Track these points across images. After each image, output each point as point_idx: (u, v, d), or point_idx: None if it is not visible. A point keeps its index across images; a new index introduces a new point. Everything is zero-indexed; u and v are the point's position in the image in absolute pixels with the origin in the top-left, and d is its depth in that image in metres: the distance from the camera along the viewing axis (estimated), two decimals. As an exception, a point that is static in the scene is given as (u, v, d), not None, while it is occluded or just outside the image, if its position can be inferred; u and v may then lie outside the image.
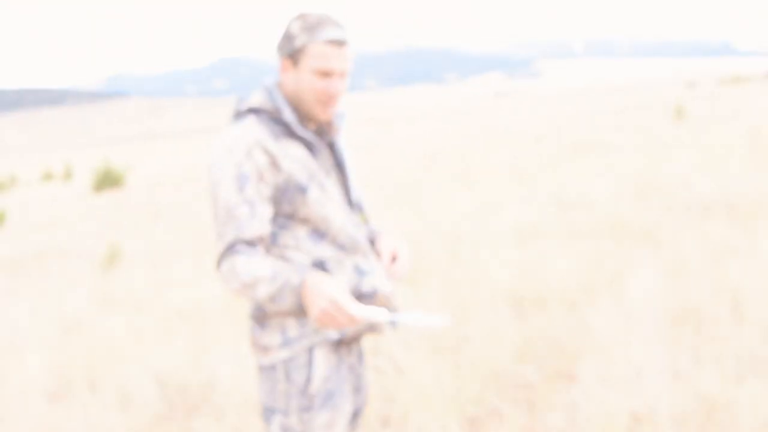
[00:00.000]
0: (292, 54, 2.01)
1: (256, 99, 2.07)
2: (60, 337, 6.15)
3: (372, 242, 2.23)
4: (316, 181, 2.03)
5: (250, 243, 1.94)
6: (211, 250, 9.95)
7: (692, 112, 25.71)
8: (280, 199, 2.00)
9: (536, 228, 7.51)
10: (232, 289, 1.93)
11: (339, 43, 2.00)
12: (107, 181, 28.87)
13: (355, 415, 2.26)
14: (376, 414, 3.60)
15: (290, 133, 2.05)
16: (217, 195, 1.97)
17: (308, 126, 2.12)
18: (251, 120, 2.03)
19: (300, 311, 1.90)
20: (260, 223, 1.95)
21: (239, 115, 2.10)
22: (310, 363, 2.02)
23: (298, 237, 2.03)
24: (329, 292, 1.82)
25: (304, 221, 2.03)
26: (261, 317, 2.05)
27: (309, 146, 2.07)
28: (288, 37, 2.01)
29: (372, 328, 2.12)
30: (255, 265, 1.89)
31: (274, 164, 1.98)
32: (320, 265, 2.03)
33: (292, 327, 2.02)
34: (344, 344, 2.13)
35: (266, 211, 1.97)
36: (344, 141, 2.21)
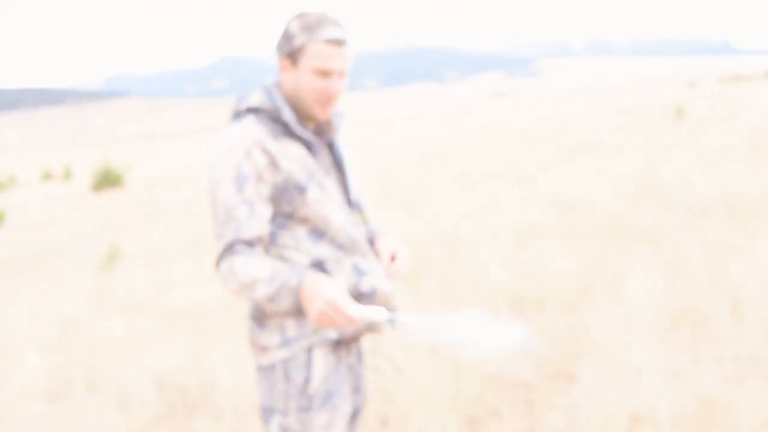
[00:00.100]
0: (291, 53, 2.01)
1: (256, 99, 2.06)
2: (59, 337, 6.14)
3: (371, 242, 2.22)
4: (315, 180, 2.03)
5: (249, 243, 1.94)
6: (210, 250, 9.94)
7: (692, 112, 25.72)
8: (279, 199, 2.00)
9: (536, 228, 7.51)
10: (230, 290, 1.93)
11: (338, 43, 1.99)
12: (107, 181, 28.87)
13: (354, 415, 2.26)
14: (375, 414, 3.59)
15: (289, 132, 2.04)
16: (217, 195, 1.96)
17: (307, 125, 2.11)
18: (250, 120, 2.03)
19: (299, 311, 1.90)
20: (259, 223, 1.95)
21: (238, 114, 2.09)
22: (309, 363, 2.02)
23: (297, 237, 2.03)
24: (327, 294, 1.81)
25: (304, 221, 2.03)
26: (260, 317, 2.05)
27: (308, 146, 2.06)
28: (287, 37, 2.01)
29: (371, 328, 2.11)
30: (253, 265, 1.89)
31: (274, 164, 1.98)
32: (319, 265, 2.02)
33: (291, 327, 2.02)
34: (343, 344, 2.13)
35: (265, 212, 1.97)
36: (343, 140, 2.20)
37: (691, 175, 9.48)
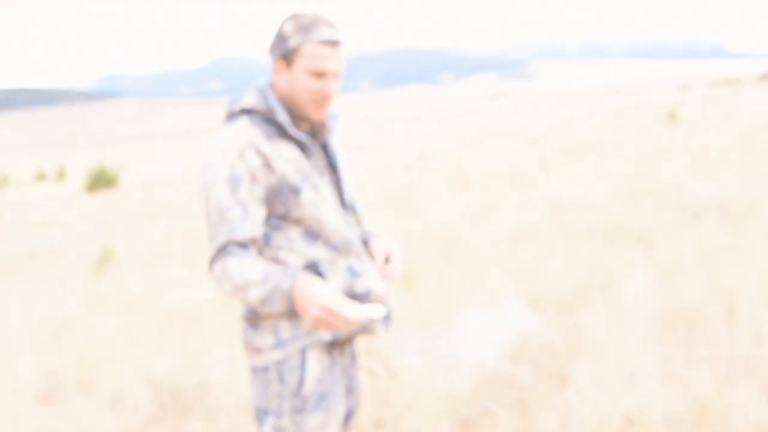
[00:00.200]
0: (285, 55, 2.01)
1: (249, 100, 2.06)
2: (52, 338, 6.12)
3: (365, 243, 2.22)
4: (309, 181, 2.03)
5: (243, 245, 1.93)
6: (204, 252, 9.92)
7: (685, 115, 25.79)
8: (273, 200, 2.00)
9: (532, 229, 7.51)
10: (223, 291, 1.93)
11: (333, 44, 1.99)
12: (101, 181, 28.79)
13: (348, 416, 2.26)
14: (369, 416, 3.59)
15: (283, 133, 2.04)
16: (210, 197, 1.96)
17: (301, 127, 2.11)
18: (244, 121, 2.03)
19: (292, 313, 1.90)
20: (253, 224, 1.95)
21: (232, 116, 2.09)
22: (303, 364, 2.02)
23: (291, 238, 2.03)
24: (320, 299, 1.80)
25: (298, 222, 2.02)
26: (254, 319, 2.04)
27: (302, 147, 2.06)
28: (281, 38, 2.00)
29: (365, 329, 2.11)
30: (246, 267, 1.89)
31: (267, 165, 1.97)
32: (313, 267, 2.02)
33: (285, 328, 2.01)
34: (337, 346, 2.12)
35: (259, 213, 1.97)
36: (338, 142, 2.20)
37: (685, 178, 9.50)
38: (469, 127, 44.97)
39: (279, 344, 2.01)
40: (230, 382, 4.13)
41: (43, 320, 6.82)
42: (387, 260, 2.19)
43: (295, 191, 2.00)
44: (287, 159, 2.00)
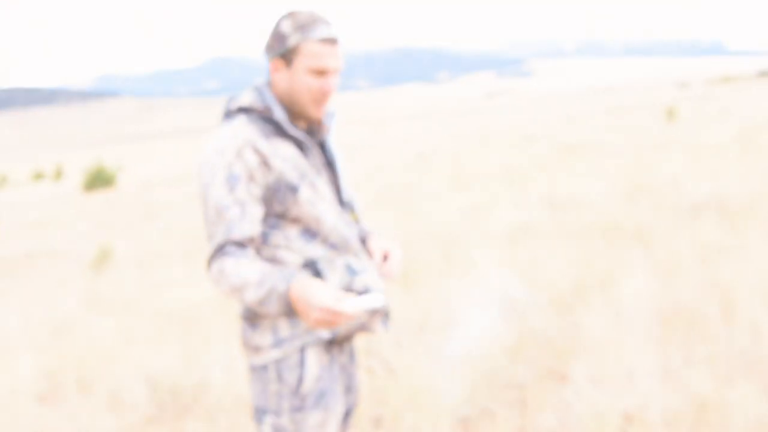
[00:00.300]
0: (285, 54, 2.00)
1: (246, 98, 2.06)
2: (50, 338, 6.12)
3: (363, 242, 2.22)
4: (307, 180, 2.02)
5: (240, 244, 1.93)
6: (202, 251, 9.91)
7: (683, 113, 25.80)
8: (270, 199, 1.99)
9: (529, 228, 7.51)
10: (221, 291, 1.93)
11: (332, 41, 1.99)
12: (98, 181, 28.76)
13: (347, 415, 2.26)
14: (368, 415, 3.59)
15: (281, 132, 2.03)
16: (208, 196, 1.96)
17: (298, 125, 2.11)
18: (241, 120, 2.02)
19: (290, 313, 1.89)
20: (250, 224, 1.94)
21: (229, 114, 2.08)
22: (302, 363, 2.02)
23: (289, 237, 2.02)
24: (319, 301, 1.79)
25: (296, 221, 2.02)
26: (252, 317, 2.04)
27: (300, 145, 2.06)
28: (279, 37, 2.00)
29: (364, 327, 2.11)
30: (243, 268, 1.88)
31: (265, 163, 1.97)
32: (311, 265, 2.02)
33: (284, 327, 2.01)
34: (336, 344, 2.12)
35: (257, 212, 1.96)
36: (335, 140, 2.20)
37: (682, 176, 9.50)
38: (466, 125, 44.97)
39: (278, 343, 2.01)
40: (229, 381, 4.13)
41: (42, 320, 6.82)
42: (385, 258, 2.19)
43: (292, 190, 1.99)
44: (285, 157, 2.00)
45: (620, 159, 13.04)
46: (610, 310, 4.47)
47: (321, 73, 2.00)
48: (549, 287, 5.12)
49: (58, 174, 50.78)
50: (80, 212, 20.44)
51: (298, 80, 2.00)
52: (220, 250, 1.92)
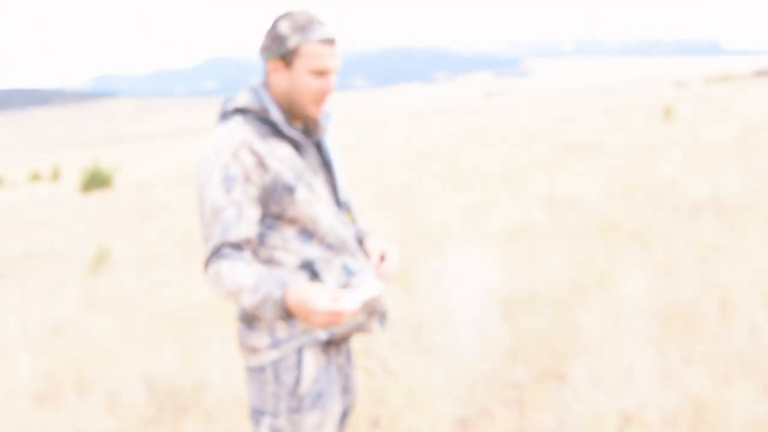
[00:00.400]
0: (284, 55, 1.99)
1: (243, 99, 2.05)
2: (48, 339, 6.11)
3: (360, 242, 2.22)
4: (303, 180, 2.02)
5: (237, 246, 1.92)
6: (200, 252, 9.91)
7: (681, 112, 25.81)
8: (267, 200, 1.99)
9: (527, 228, 7.52)
10: (218, 294, 1.92)
11: (331, 42, 1.99)
12: (96, 181, 28.72)
13: (344, 416, 2.26)
14: (366, 415, 3.58)
15: (277, 132, 2.03)
16: (204, 197, 1.95)
17: (295, 125, 2.10)
18: (238, 120, 2.02)
19: (286, 319, 1.88)
20: (247, 225, 1.94)
21: (226, 115, 2.08)
22: (299, 364, 2.02)
23: (286, 237, 2.02)
24: (318, 306, 1.78)
25: (292, 221, 2.02)
26: (249, 319, 2.04)
27: (296, 146, 2.05)
28: (278, 38, 1.99)
29: (361, 328, 2.11)
30: (239, 271, 1.87)
31: (261, 164, 1.96)
32: (308, 266, 2.02)
33: (281, 328, 2.01)
34: (333, 344, 2.12)
35: (253, 213, 1.96)
36: (332, 140, 2.20)
37: (680, 175, 9.51)
38: (465, 125, 45.00)
39: (275, 344, 2.01)
40: (227, 382, 4.13)
41: (40, 321, 6.81)
42: (382, 259, 2.19)
43: (289, 190, 1.99)
44: (281, 158, 2.00)
45: (619, 159, 13.05)
46: (609, 310, 4.47)
47: (321, 73, 2.00)
48: (547, 286, 5.12)
49: (56, 175, 50.74)
50: (78, 213, 20.43)
51: (299, 81, 2.00)
52: (216, 252, 1.92)
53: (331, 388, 2.08)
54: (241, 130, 1.99)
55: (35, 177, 53.67)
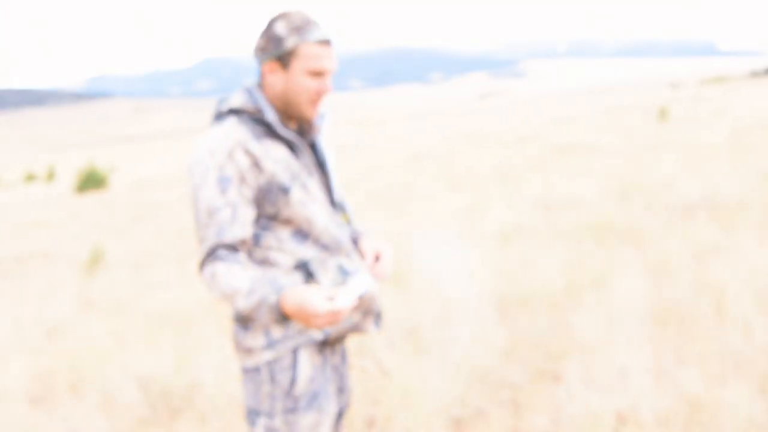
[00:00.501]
0: (281, 56, 1.99)
1: (237, 100, 2.05)
2: (42, 340, 6.09)
3: (355, 242, 2.22)
4: (298, 181, 2.02)
5: (232, 247, 1.92)
6: (195, 253, 9.89)
7: (676, 113, 25.87)
8: (262, 201, 1.99)
9: (521, 228, 7.53)
10: (213, 296, 1.92)
11: (328, 43, 1.99)
12: (91, 182, 28.63)
13: (339, 415, 2.26)
14: (361, 415, 3.59)
15: (272, 133, 2.03)
16: (199, 198, 1.95)
17: (289, 126, 2.10)
18: (232, 121, 2.02)
19: (282, 322, 1.88)
20: (242, 226, 1.94)
21: (220, 116, 2.08)
22: (294, 364, 2.02)
23: (281, 238, 2.02)
24: (314, 309, 1.79)
25: (287, 222, 2.02)
26: (244, 320, 2.04)
27: (291, 146, 2.05)
28: (274, 39, 1.99)
29: (356, 328, 2.11)
30: (234, 275, 1.87)
31: (256, 165, 1.96)
32: (303, 266, 2.02)
33: (276, 329, 2.01)
34: (328, 344, 2.12)
35: (248, 214, 1.96)
36: (326, 141, 2.20)
37: (674, 176, 9.53)
38: (460, 126, 45.02)
39: (270, 344, 2.01)
40: (222, 382, 4.12)
41: (34, 322, 6.79)
42: (377, 259, 2.19)
43: (284, 191, 1.99)
44: (276, 159, 2.00)
45: (613, 159, 13.07)
46: (603, 311, 4.48)
47: (318, 74, 2.00)
48: (541, 287, 5.12)
49: (51, 175, 50.56)
50: (73, 213, 20.37)
51: (297, 82, 2.00)
52: (211, 254, 1.92)
53: (326, 388, 2.08)
54: (236, 130, 1.99)
55: (30, 178, 53.49)
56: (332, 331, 2.07)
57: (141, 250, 11.19)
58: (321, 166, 2.15)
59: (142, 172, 41.82)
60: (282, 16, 2.00)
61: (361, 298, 2.07)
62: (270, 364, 2.02)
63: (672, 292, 4.66)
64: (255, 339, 2.02)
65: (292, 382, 2.01)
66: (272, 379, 2.01)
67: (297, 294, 1.82)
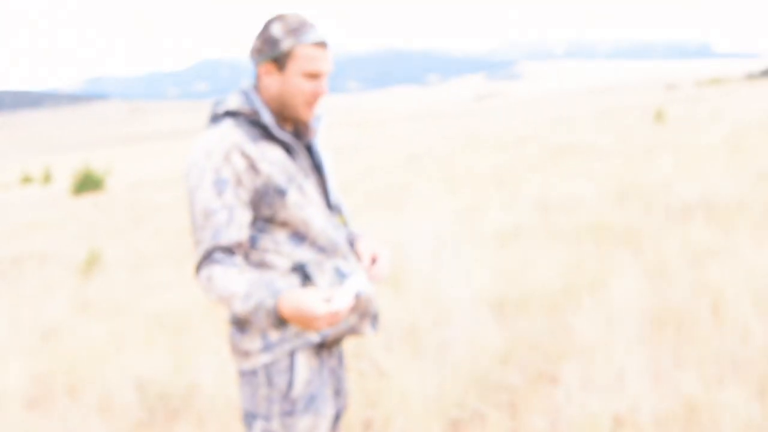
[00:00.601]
0: (277, 58, 1.99)
1: (234, 102, 2.05)
2: (39, 342, 6.08)
3: (351, 244, 2.22)
4: (295, 183, 2.02)
5: (228, 250, 1.92)
6: (191, 254, 9.87)
7: (672, 114, 25.90)
8: (259, 203, 1.98)
9: (519, 230, 7.53)
10: (209, 299, 1.92)
11: (324, 45, 1.99)
12: (87, 184, 28.59)
13: (336, 418, 2.25)
14: (359, 418, 3.58)
15: (268, 135, 2.03)
16: (195, 200, 1.94)
17: (285, 128, 2.10)
18: (228, 123, 2.01)
19: (279, 326, 1.87)
20: (238, 229, 1.93)
21: (216, 118, 2.07)
22: (291, 367, 2.01)
23: (277, 240, 2.02)
24: (313, 313, 1.78)
25: (284, 224, 2.01)
26: (241, 322, 2.03)
27: (287, 148, 2.05)
28: (270, 41, 1.98)
29: (353, 330, 2.11)
30: (231, 277, 1.87)
31: (253, 167, 1.96)
32: (300, 268, 2.01)
33: (273, 331, 2.00)
34: (325, 347, 2.12)
35: (245, 217, 1.96)
36: (322, 143, 2.20)
37: (672, 177, 9.54)
38: (457, 128, 45.04)
39: (267, 347, 2.01)
40: (219, 385, 4.11)
41: (31, 324, 6.78)
42: (374, 261, 2.19)
43: (281, 193, 1.99)
44: (272, 161, 1.99)
45: (610, 161, 13.08)
46: (601, 312, 4.47)
47: (314, 76, 2.00)
48: (539, 289, 5.12)
49: (47, 177, 50.48)
50: (70, 215, 20.34)
51: (293, 84, 2.00)
52: (208, 257, 1.91)
53: (323, 390, 2.08)
54: (232, 133, 1.98)
55: (27, 179, 53.40)
56: (329, 333, 2.06)
57: (138, 251, 11.18)
58: (317, 168, 2.15)
59: (139, 173, 41.79)
60: (278, 18, 2.00)
61: (357, 299, 2.06)
62: (267, 367, 2.01)
63: (670, 293, 4.66)
64: (252, 342, 2.01)
65: (289, 385, 2.01)
66: (269, 382, 2.01)
67: (294, 297, 1.81)
